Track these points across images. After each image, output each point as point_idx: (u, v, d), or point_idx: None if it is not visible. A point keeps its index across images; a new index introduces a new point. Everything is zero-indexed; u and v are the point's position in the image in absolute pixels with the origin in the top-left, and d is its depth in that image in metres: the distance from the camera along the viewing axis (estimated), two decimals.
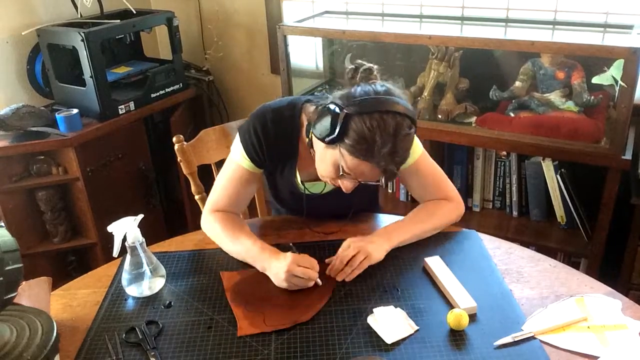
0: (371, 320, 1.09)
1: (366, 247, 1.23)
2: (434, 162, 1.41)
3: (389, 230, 1.32)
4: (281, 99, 1.37)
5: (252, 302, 1.17)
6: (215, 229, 1.34)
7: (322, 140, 1.15)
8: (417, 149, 1.35)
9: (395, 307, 1.12)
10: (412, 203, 2.14)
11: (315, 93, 2.34)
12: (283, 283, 1.18)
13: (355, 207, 1.44)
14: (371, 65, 1.20)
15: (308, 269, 1.18)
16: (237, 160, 1.36)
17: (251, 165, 1.35)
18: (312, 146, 1.26)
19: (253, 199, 1.74)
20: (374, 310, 1.11)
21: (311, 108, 1.28)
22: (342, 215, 1.44)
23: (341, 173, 1.18)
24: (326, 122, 1.13)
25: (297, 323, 1.10)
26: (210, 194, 1.41)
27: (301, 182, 1.39)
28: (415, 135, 1.27)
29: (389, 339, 1.05)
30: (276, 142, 1.32)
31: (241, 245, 1.29)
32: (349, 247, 1.24)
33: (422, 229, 1.35)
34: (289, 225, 1.46)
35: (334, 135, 1.12)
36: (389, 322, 1.08)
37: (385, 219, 1.46)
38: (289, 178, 1.39)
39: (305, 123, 1.30)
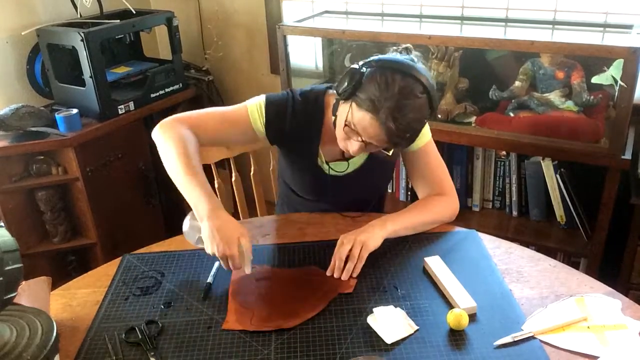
0: (371, 320, 1.09)
1: (360, 237, 1.24)
2: (439, 155, 1.44)
3: (382, 219, 1.33)
4: (306, 87, 1.44)
5: (249, 298, 1.18)
6: (176, 145, 1.26)
7: (339, 94, 1.23)
8: (427, 134, 1.40)
9: (395, 307, 1.12)
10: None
11: None
12: (214, 245, 1.14)
13: (376, 192, 1.51)
14: (410, 45, 1.30)
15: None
16: (249, 110, 1.36)
17: (258, 128, 1.37)
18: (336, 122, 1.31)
19: (253, 199, 1.75)
20: (374, 310, 1.11)
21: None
22: (362, 201, 1.47)
23: (346, 127, 1.23)
24: (346, 78, 1.21)
25: (280, 328, 1.09)
26: (191, 112, 1.36)
27: (325, 162, 1.42)
28: (426, 122, 1.31)
29: (388, 339, 1.05)
30: (299, 126, 1.38)
31: (191, 184, 1.22)
32: (343, 243, 1.25)
33: (416, 220, 1.36)
34: (289, 225, 1.46)
35: (349, 88, 1.19)
36: (389, 322, 1.08)
37: None
38: (310, 159, 1.42)
39: (329, 105, 1.38)
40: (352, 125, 1.22)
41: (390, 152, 1.26)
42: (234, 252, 1.15)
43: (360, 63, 1.22)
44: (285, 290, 1.21)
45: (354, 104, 1.21)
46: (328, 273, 1.23)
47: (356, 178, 1.45)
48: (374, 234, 1.27)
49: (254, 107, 1.37)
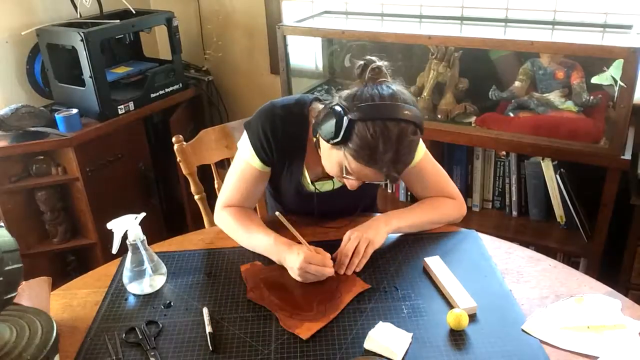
0: (369, 344, 1.03)
1: (367, 234, 1.26)
2: (436, 162, 1.42)
3: (387, 215, 1.34)
4: (289, 97, 1.37)
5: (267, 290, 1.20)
6: (230, 224, 1.36)
7: (327, 141, 1.17)
8: (420, 149, 1.35)
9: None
10: (412, 203, 2.14)
11: (316, 92, 2.35)
12: (297, 278, 1.20)
13: (363, 203, 1.48)
14: (380, 64, 1.19)
15: (320, 266, 1.19)
16: (246, 159, 1.35)
17: (261, 165, 1.35)
18: (318, 145, 1.26)
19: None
20: (370, 334, 1.04)
21: (319, 106, 1.29)
22: (349, 212, 1.46)
23: (345, 174, 1.20)
24: (331, 124, 1.13)
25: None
26: (222, 190, 1.42)
27: (311, 181, 1.39)
28: None
29: (398, 356, 1.00)
30: (284, 141, 1.32)
31: (255, 239, 1.31)
32: (350, 239, 1.26)
33: (421, 218, 1.37)
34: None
35: (338, 139, 1.13)
36: (389, 340, 1.03)
37: None
38: (295, 177, 1.38)
39: (312, 121, 1.28)
40: (350, 172, 1.18)
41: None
42: (315, 279, 1.19)
43: (342, 105, 1.12)
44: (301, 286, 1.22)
45: (347, 154, 1.13)
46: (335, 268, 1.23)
47: (344, 192, 1.37)
48: (379, 230, 1.28)
49: (247, 151, 1.34)
